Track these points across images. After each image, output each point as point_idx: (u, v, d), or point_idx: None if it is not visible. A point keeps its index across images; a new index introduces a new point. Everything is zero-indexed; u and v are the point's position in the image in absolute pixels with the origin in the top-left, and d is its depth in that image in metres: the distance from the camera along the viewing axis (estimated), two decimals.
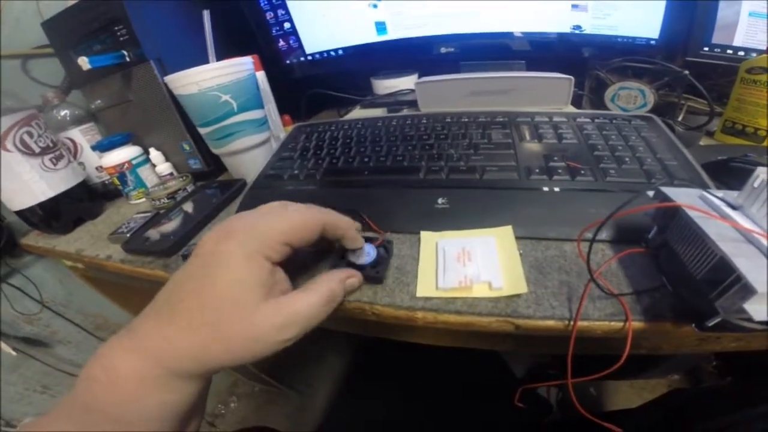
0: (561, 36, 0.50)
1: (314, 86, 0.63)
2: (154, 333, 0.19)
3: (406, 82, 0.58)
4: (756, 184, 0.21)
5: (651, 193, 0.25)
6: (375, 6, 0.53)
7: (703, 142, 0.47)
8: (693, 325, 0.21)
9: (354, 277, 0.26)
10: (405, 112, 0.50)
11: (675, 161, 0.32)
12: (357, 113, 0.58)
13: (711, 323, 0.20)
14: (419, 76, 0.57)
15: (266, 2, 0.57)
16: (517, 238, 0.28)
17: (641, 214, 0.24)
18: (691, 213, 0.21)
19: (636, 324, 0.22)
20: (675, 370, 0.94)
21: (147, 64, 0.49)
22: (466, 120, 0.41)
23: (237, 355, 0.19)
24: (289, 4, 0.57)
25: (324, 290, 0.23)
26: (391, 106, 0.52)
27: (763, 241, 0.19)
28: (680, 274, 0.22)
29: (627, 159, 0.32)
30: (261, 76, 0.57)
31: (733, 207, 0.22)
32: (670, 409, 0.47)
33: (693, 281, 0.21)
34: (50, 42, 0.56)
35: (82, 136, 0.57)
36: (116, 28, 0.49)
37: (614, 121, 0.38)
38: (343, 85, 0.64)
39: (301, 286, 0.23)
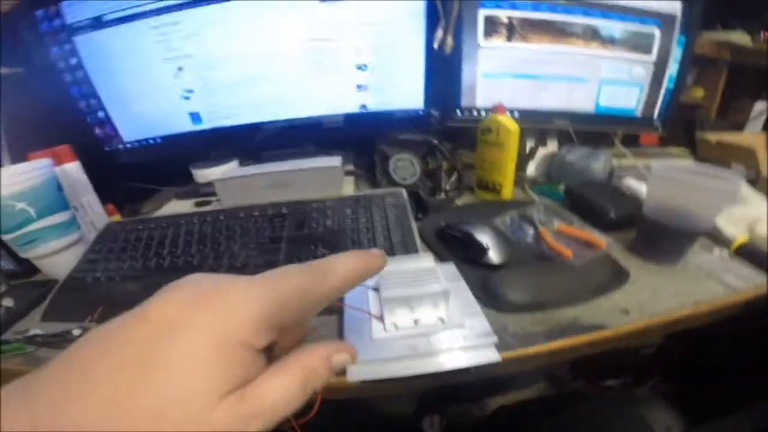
0: (351, 116, 0.67)
1: (141, 172, 0.71)
2: (55, 405, 0.15)
3: (223, 171, 0.69)
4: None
5: None
6: (188, 98, 0.65)
7: (467, 197, 0.66)
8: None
9: (343, 351, 0.21)
10: (213, 204, 0.61)
11: (401, 235, 0.48)
12: (171, 207, 0.67)
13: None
14: (240, 163, 0.70)
15: (77, 90, 0.64)
16: None
17: None
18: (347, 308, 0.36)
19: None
20: (537, 380, 1.17)
21: None
22: (257, 214, 0.53)
23: None
24: (101, 93, 0.64)
25: (299, 371, 0.19)
26: (201, 198, 0.63)
27: (370, 317, 0.34)
28: None
29: (366, 240, 0.47)
30: (73, 167, 0.62)
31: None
32: (496, 425, 0.62)
33: None
34: None
35: None
36: None
37: (372, 201, 0.53)
38: (168, 170, 0.73)
39: (274, 363, 0.19)
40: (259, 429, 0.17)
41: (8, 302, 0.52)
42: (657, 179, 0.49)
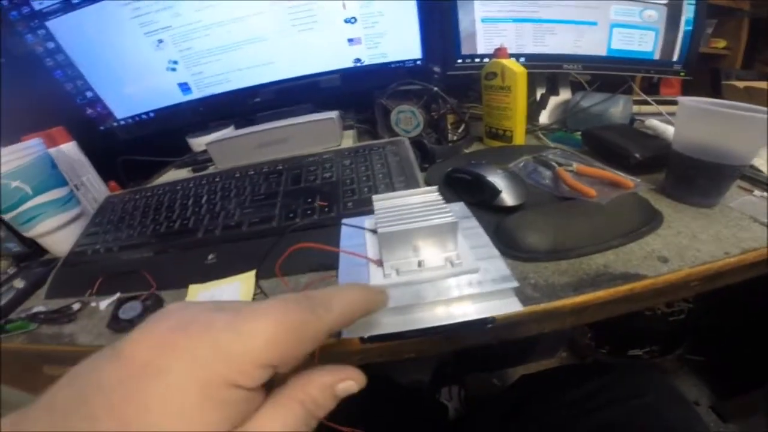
0: (346, 71, 0.61)
1: (142, 148, 0.68)
2: None
3: (218, 137, 0.64)
4: (375, 208, 0.30)
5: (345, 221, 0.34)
6: (174, 69, 0.61)
7: (475, 147, 0.60)
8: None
9: (349, 379, 0.18)
10: (210, 169, 0.57)
11: (404, 183, 0.42)
12: (169, 175, 0.64)
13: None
14: (236, 127, 0.65)
15: (61, 73, 0.62)
16: (263, 278, 0.36)
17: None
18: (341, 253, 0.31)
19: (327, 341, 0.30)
20: (558, 349, 1.11)
21: None
22: (252, 173, 0.49)
23: None
24: (86, 74, 0.62)
25: (299, 406, 0.16)
26: (197, 165, 0.60)
27: (366, 262, 0.28)
28: None
29: (365, 189, 0.42)
30: (70, 147, 0.60)
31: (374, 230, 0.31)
32: (518, 396, 0.58)
33: None
34: None
35: None
36: None
37: (372, 151, 0.48)
38: (167, 143, 0.69)
39: (271, 394, 0.17)
40: None
41: (19, 283, 0.52)
42: (688, 111, 0.41)
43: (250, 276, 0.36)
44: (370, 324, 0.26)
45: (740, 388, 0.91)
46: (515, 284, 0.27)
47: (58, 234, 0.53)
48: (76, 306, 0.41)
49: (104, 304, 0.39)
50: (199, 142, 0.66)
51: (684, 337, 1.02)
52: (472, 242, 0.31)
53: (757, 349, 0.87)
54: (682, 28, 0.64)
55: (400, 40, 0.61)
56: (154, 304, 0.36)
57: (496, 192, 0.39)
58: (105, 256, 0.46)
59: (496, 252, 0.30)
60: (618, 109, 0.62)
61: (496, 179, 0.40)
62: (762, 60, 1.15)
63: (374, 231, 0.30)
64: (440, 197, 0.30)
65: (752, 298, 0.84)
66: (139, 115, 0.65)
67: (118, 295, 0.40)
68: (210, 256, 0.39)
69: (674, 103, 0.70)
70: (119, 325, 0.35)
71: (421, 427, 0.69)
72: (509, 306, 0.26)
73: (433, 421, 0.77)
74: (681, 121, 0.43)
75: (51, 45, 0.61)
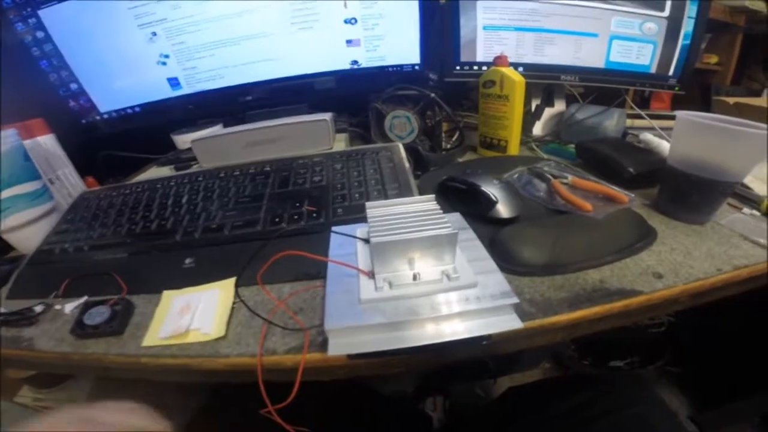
0: (342, 73, 0.60)
1: (122, 143, 0.64)
2: None
3: (205, 135, 0.62)
4: (369, 216, 0.28)
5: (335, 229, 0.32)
6: (164, 63, 0.58)
7: (469, 156, 0.59)
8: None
9: None
10: (194, 168, 0.55)
11: (397, 189, 0.41)
12: (150, 173, 0.61)
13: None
14: (224, 126, 0.63)
15: (46, 64, 0.59)
16: (244, 286, 0.34)
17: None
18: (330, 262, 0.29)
19: (311, 356, 0.28)
20: (541, 360, 1.11)
21: None
22: (237, 173, 0.46)
23: None
24: (73, 65, 0.59)
25: None
26: (180, 163, 0.57)
27: (356, 273, 0.26)
28: None
29: (357, 195, 0.40)
30: (47, 140, 0.57)
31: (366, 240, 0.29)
32: (506, 408, 0.57)
33: None
34: None
35: None
36: None
37: (365, 155, 0.46)
38: (151, 140, 0.66)
39: None
40: None
41: None
42: (685, 125, 0.41)
43: (229, 283, 0.33)
44: (359, 340, 0.24)
45: (719, 400, 0.92)
46: (515, 300, 0.25)
47: (27, 230, 0.50)
48: (38, 308, 0.37)
49: (69, 307, 0.36)
50: (184, 140, 0.63)
51: (664, 349, 1.03)
52: (470, 255, 0.29)
53: (735, 361, 0.88)
54: (680, 42, 0.64)
55: (399, 43, 0.60)
56: (123, 309, 0.33)
57: (491, 203, 0.38)
58: (74, 256, 0.42)
59: (494, 266, 0.28)
60: (612, 122, 0.62)
61: (492, 190, 0.38)
62: (750, 76, 1.17)
63: (366, 240, 0.28)
64: (438, 207, 0.28)
65: (732, 311, 0.85)
66: (124, 109, 0.62)
67: (85, 298, 0.37)
68: (188, 260, 0.37)
69: (666, 117, 0.71)
70: (84, 331, 0.32)
71: None
72: (509, 323, 0.25)
73: None
74: (678, 136, 0.42)
75: (40, 34, 0.58)
